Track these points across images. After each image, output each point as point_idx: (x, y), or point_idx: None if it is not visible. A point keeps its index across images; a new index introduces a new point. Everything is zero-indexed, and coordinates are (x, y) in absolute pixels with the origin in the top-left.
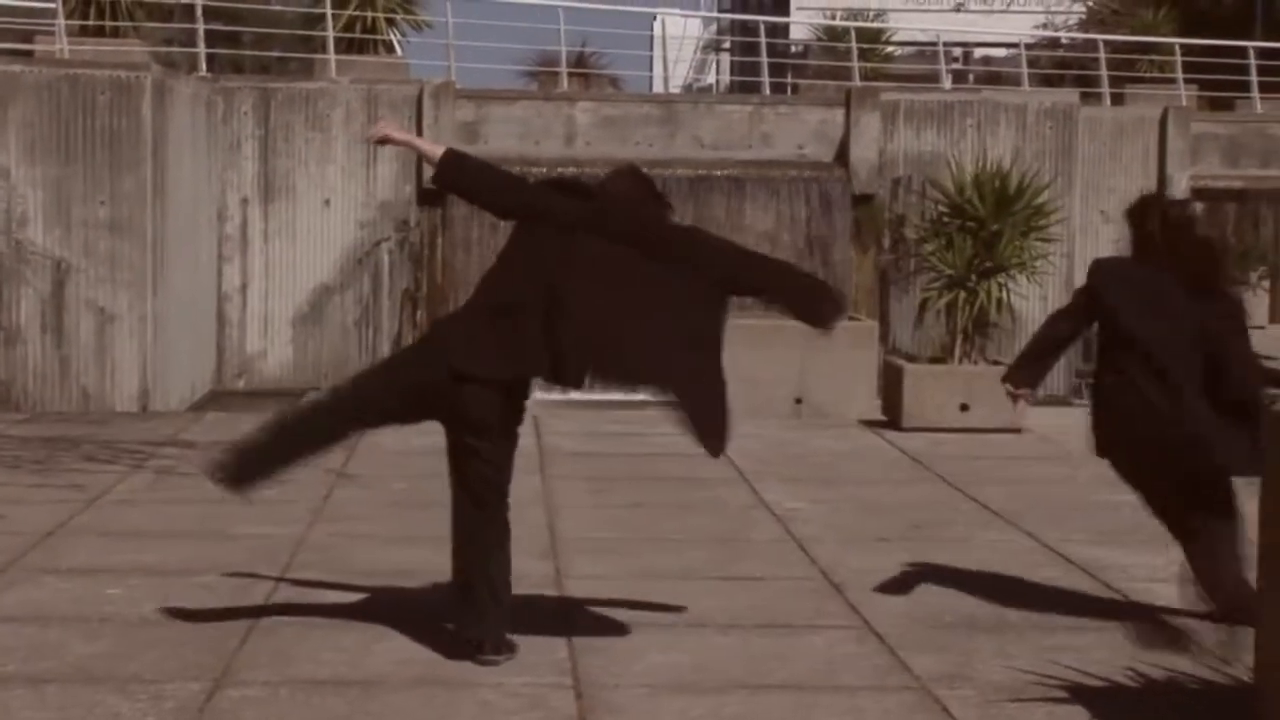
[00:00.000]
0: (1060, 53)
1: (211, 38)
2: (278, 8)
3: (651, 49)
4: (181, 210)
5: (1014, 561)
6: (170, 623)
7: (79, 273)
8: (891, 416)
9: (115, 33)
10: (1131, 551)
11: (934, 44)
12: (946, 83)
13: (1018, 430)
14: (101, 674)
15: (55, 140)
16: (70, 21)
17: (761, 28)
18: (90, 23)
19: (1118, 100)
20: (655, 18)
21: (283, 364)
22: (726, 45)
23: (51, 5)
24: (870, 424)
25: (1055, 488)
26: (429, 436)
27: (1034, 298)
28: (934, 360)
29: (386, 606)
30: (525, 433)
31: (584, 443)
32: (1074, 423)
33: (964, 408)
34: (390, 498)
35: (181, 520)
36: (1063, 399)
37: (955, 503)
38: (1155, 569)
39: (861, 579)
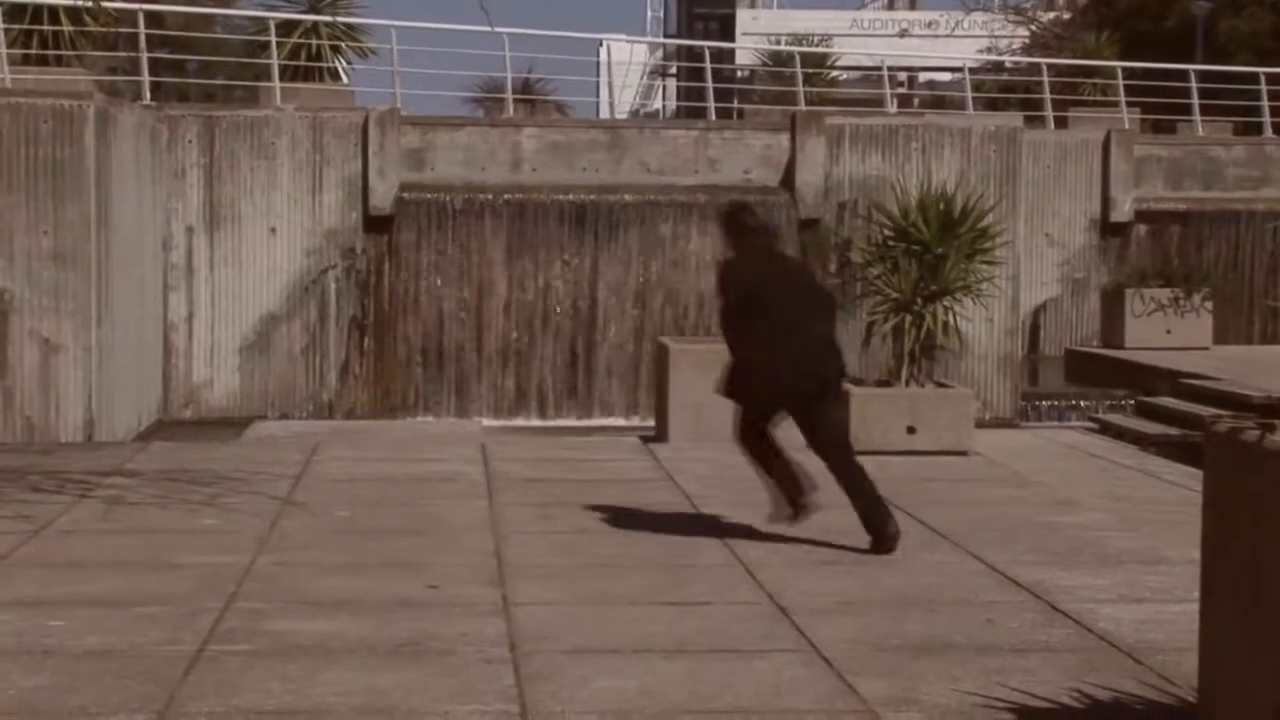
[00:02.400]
0: (1004, 77)
1: (156, 66)
2: (222, 35)
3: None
4: (126, 239)
5: (960, 584)
6: (114, 654)
7: (22, 303)
8: None
9: (59, 61)
10: (1077, 573)
11: (879, 69)
12: (891, 107)
13: (964, 453)
14: (44, 707)
15: None
16: (12, 50)
17: (707, 53)
18: (33, 51)
19: (1061, 124)
20: (601, 43)
21: (230, 393)
22: (672, 71)
23: None
24: None
25: (1002, 509)
26: (372, 464)
27: (979, 320)
28: (881, 383)
29: (331, 636)
30: (472, 459)
31: (532, 469)
32: (1022, 445)
33: (911, 430)
34: (335, 526)
35: (126, 550)
36: (1009, 421)
37: (902, 525)
38: (1100, 590)
39: (808, 603)
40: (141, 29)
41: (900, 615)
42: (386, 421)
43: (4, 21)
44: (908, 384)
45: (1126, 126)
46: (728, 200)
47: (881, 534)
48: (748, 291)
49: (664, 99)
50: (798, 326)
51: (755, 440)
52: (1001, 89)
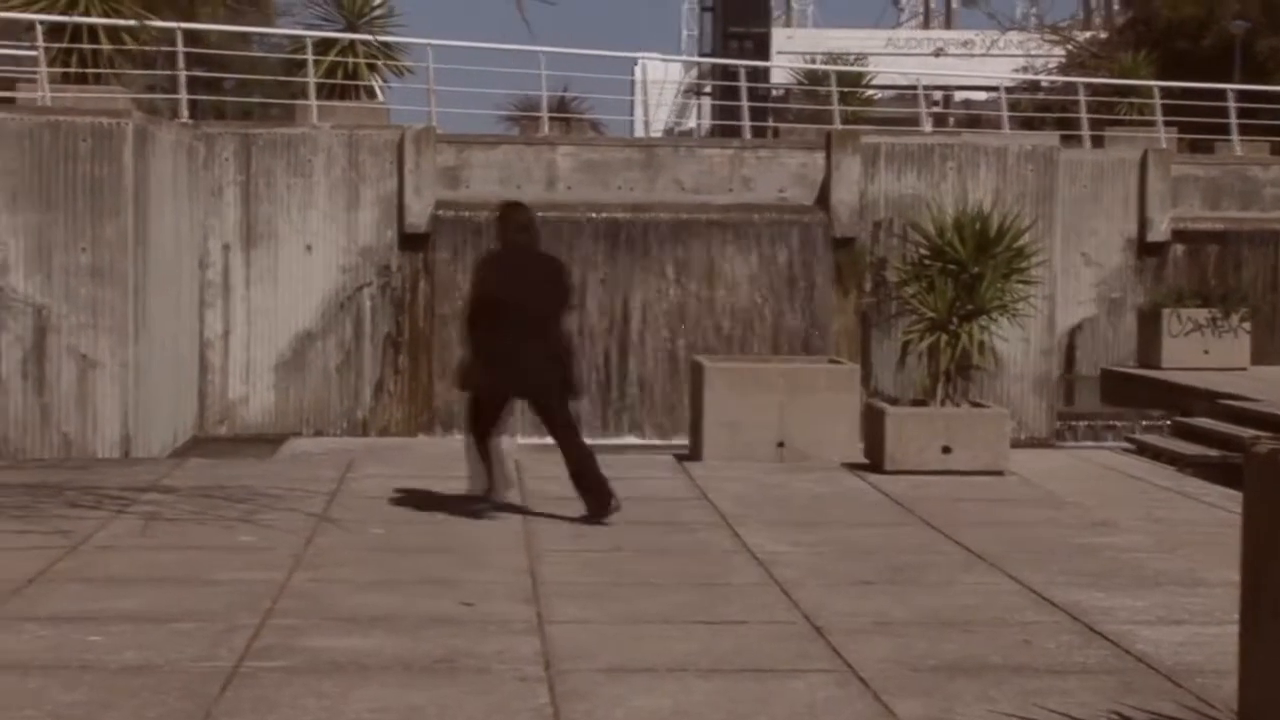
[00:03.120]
0: (1041, 96)
1: (193, 84)
2: (259, 54)
3: (632, 93)
4: (163, 257)
5: (997, 604)
6: (151, 670)
7: (60, 319)
8: (874, 459)
9: (97, 80)
10: (1114, 594)
11: (914, 88)
12: (927, 126)
13: (1000, 473)
14: None
15: (37, 187)
16: (52, 69)
17: (742, 72)
18: (72, 70)
19: (1098, 143)
20: (636, 62)
21: (265, 410)
22: (707, 89)
23: (34, 53)
24: (852, 467)
25: (1038, 530)
26: (406, 482)
27: (1015, 340)
28: (916, 403)
29: (366, 653)
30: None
31: (566, 486)
32: (1058, 465)
33: (946, 450)
34: (370, 543)
35: (163, 566)
36: (1045, 441)
37: (937, 545)
38: (1138, 611)
39: (844, 622)
40: (180, 48)
41: (937, 635)
42: (420, 439)
43: (44, 40)
44: (943, 403)
45: (1164, 146)
46: (502, 200)
47: (601, 504)
48: (497, 289)
49: (698, 117)
50: (535, 332)
51: (482, 433)
52: (1038, 108)
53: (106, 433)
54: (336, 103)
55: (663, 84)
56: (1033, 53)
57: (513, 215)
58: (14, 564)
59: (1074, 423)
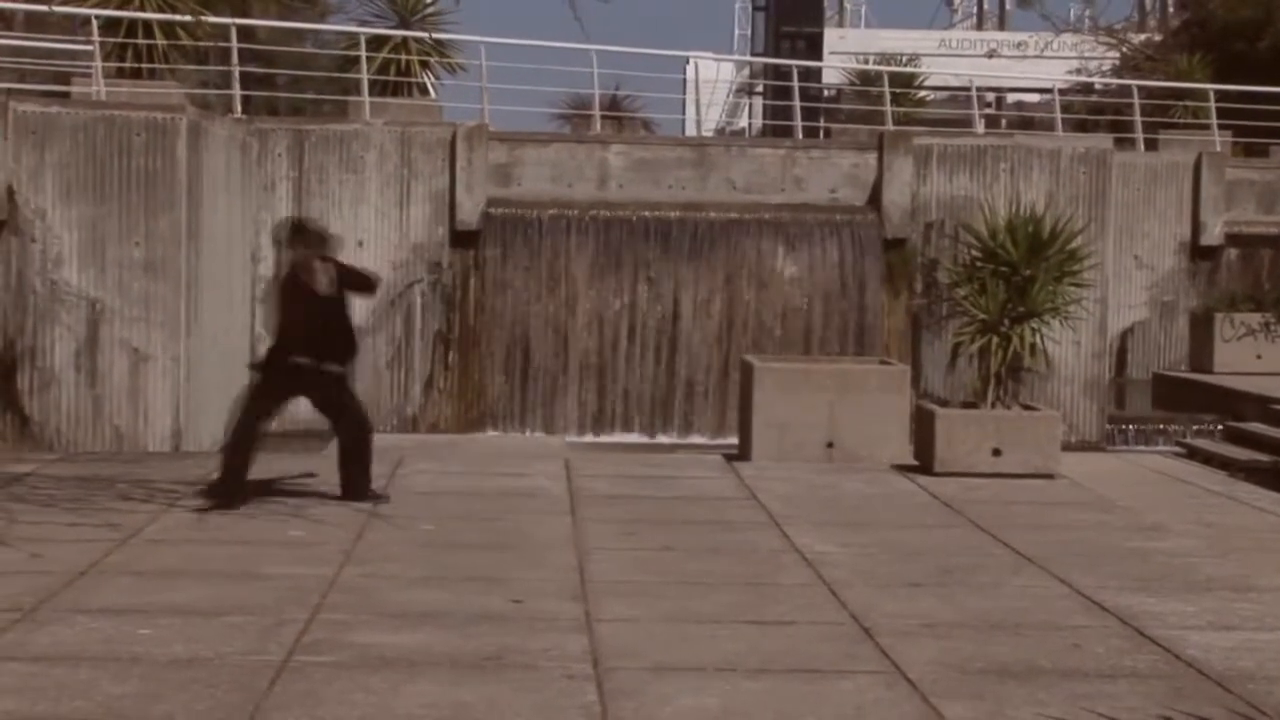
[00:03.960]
0: (1094, 98)
1: (246, 80)
2: (312, 50)
3: (684, 92)
4: (215, 251)
5: (1046, 607)
6: (200, 663)
7: (113, 313)
8: (923, 461)
9: (151, 75)
10: (1165, 599)
11: (967, 89)
12: (979, 127)
13: (1050, 476)
14: (131, 714)
15: (91, 181)
16: (107, 64)
17: (794, 72)
18: (127, 65)
19: (1152, 146)
20: (688, 61)
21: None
22: (759, 89)
23: (89, 47)
24: (902, 468)
25: (1088, 534)
26: (456, 478)
27: (1066, 342)
28: (966, 405)
29: (415, 649)
30: (556, 475)
31: (615, 485)
32: (1108, 469)
33: (996, 452)
34: (419, 539)
35: (213, 560)
36: (1096, 445)
37: (987, 548)
38: (1188, 616)
39: (892, 624)
40: (234, 43)
41: (986, 638)
42: (470, 436)
43: (99, 35)
44: (993, 406)
45: (1218, 149)
46: (288, 217)
47: (358, 490)
48: (295, 292)
49: (750, 117)
50: (326, 329)
51: (252, 425)
52: (1091, 110)
53: (157, 426)
54: (389, 99)
55: (714, 83)
56: (1087, 55)
57: (309, 227)
58: (66, 556)
59: (1125, 426)
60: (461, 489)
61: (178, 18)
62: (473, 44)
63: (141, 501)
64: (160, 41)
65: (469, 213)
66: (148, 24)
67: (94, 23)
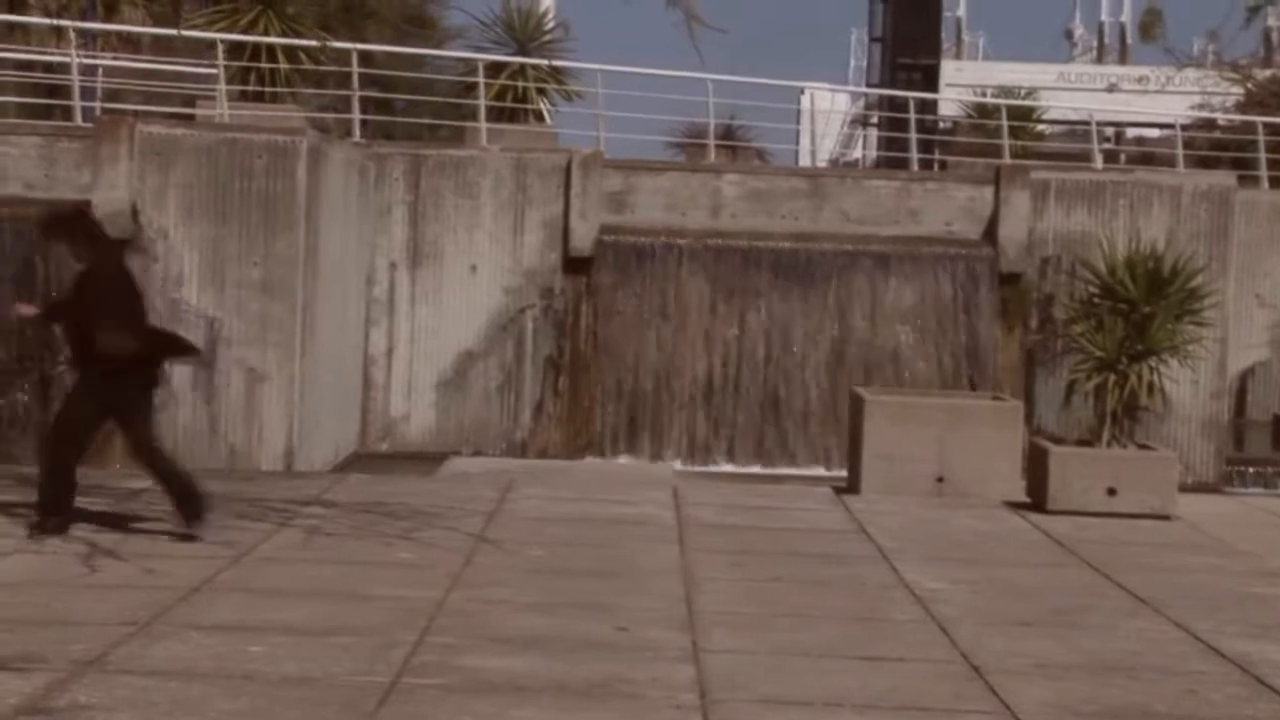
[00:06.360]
0: (1217, 134)
1: (365, 104)
2: (430, 75)
3: (798, 122)
4: (331, 273)
5: (1160, 651)
6: (310, 682)
7: (231, 332)
8: (1035, 498)
9: (274, 98)
10: None
11: (1086, 123)
12: (1098, 162)
13: (1166, 517)
14: None
15: (212, 202)
16: (231, 87)
17: (911, 104)
18: (250, 88)
19: (1276, 184)
20: (802, 91)
21: (425, 428)
22: (874, 120)
23: (214, 71)
24: (1013, 505)
25: (1206, 577)
26: (565, 504)
27: (1184, 382)
28: (1081, 442)
29: (522, 674)
30: (664, 503)
31: (724, 515)
32: (1227, 511)
33: (1111, 492)
34: (527, 564)
35: (323, 580)
36: (1213, 486)
37: (1100, 588)
38: None
39: (1003, 663)
40: (355, 68)
41: (1099, 680)
42: (579, 462)
43: (224, 58)
44: (1109, 444)
45: None
46: (64, 207)
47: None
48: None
49: (864, 148)
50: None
51: (79, 438)
52: (1213, 147)
53: (271, 445)
54: (506, 125)
55: (829, 114)
56: (1210, 90)
57: (93, 226)
58: (180, 571)
59: (1244, 468)
60: (570, 515)
61: (301, 42)
62: (589, 71)
63: (255, 520)
64: (283, 65)
65: (582, 239)
66: (271, 48)
67: (219, 46)
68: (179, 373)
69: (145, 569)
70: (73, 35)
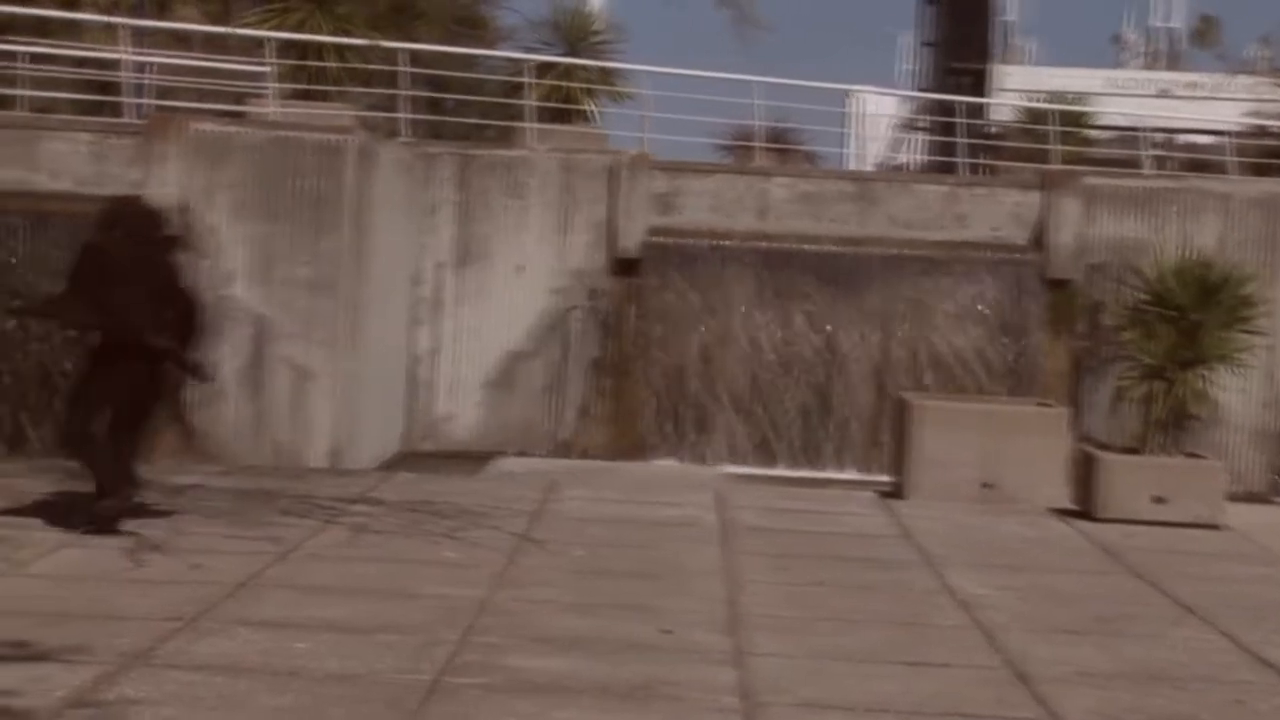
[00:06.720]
0: (1270, 141)
1: (413, 103)
2: (480, 75)
3: (845, 125)
4: (379, 272)
5: (1207, 661)
6: (354, 679)
7: (278, 330)
8: (1082, 505)
9: (323, 96)
10: None
11: (1136, 129)
12: (1148, 168)
13: (1214, 526)
14: None
15: (261, 200)
16: (281, 85)
17: (960, 108)
18: (300, 86)
19: None
20: (849, 94)
21: (470, 428)
22: (922, 124)
23: (265, 69)
24: (1059, 512)
25: (1254, 587)
26: (609, 505)
27: (1233, 390)
28: (1128, 450)
29: (565, 674)
30: (708, 505)
31: (768, 518)
32: (1276, 521)
33: (1158, 500)
34: (571, 565)
35: (368, 578)
36: (1262, 496)
37: (1147, 597)
38: None
39: (1048, 670)
40: (404, 67)
41: (1145, 689)
42: (624, 463)
43: (274, 57)
44: (1157, 452)
45: None
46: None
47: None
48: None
49: (912, 152)
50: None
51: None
52: (1266, 154)
53: (317, 443)
54: (554, 126)
55: (876, 117)
56: (1263, 97)
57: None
58: (227, 567)
59: None
60: (614, 516)
61: (352, 41)
62: (636, 72)
63: (301, 516)
64: (333, 64)
65: (629, 240)
66: (321, 47)
67: (270, 45)
68: (227, 369)
69: (191, 564)
70: (125, 33)
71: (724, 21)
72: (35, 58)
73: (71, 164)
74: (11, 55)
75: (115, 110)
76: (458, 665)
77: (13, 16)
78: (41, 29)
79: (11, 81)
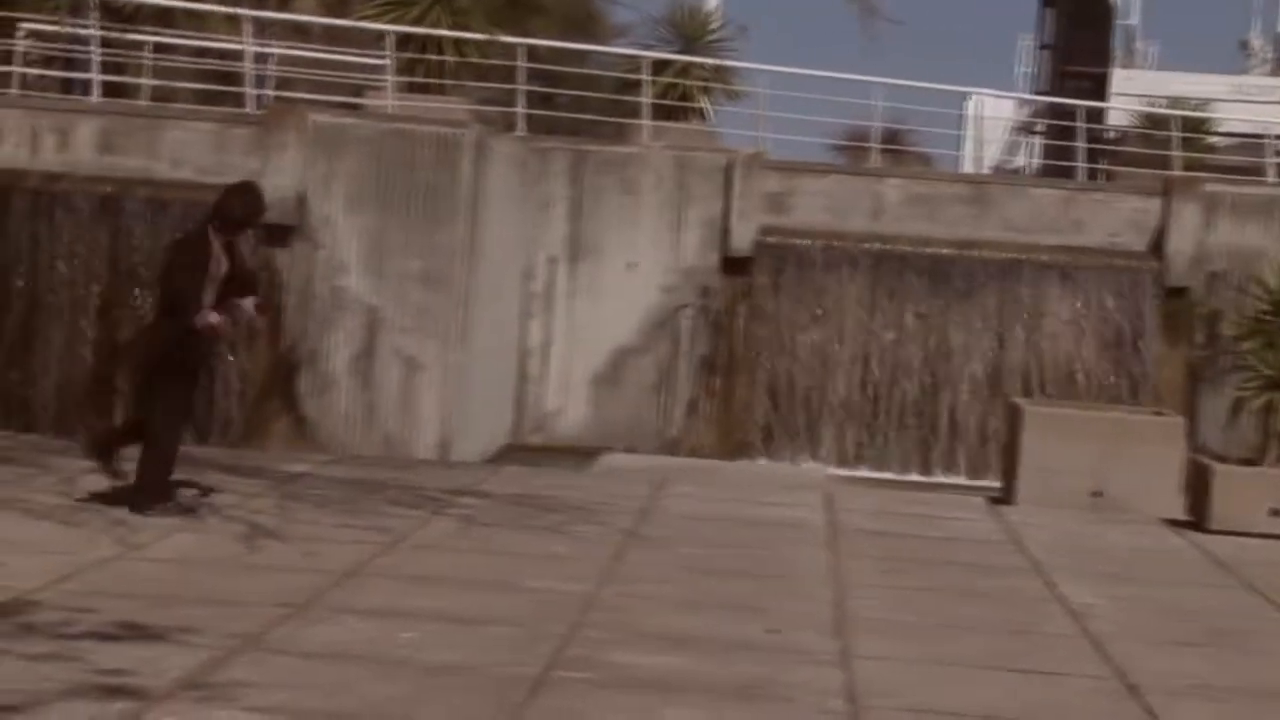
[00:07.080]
0: None
1: (529, 98)
2: (595, 72)
3: (960, 128)
4: (491, 266)
5: None
6: (460, 670)
7: (390, 322)
8: (1196, 517)
9: (440, 90)
10: None
11: (1260, 136)
12: (1272, 176)
13: None
14: (396, 716)
15: (377, 192)
16: (399, 78)
17: (1079, 112)
18: (417, 80)
19: None
20: (967, 97)
21: (578, 422)
22: (1039, 128)
23: (383, 62)
24: (1172, 523)
25: None
26: (717, 504)
27: None
28: (1245, 461)
29: (672, 672)
30: (816, 507)
31: (877, 522)
32: None
33: (1275, 513)
34: (679, 562)
35: (475, 570)
36: None
37: (1262, 611)
38: None
39: (1160, 683)
40: (521, 62)
41: (1260, 705)
42: (731, 462)
43: (393, 50)
44: (1275, 465)
45: None
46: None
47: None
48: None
49: (1029, 156)
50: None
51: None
52: None
53: (426, 434)
54: (669, 123)
55: (993, 120)
56: None
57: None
58: (336, 556)
59: None
60: (721, 515)
61: (471, 35)
62: (749, 71)
63: (410, 507)
64: (450, 58)
65: (741, 240)
66: (439, 41)
67: (389, 37)
68: (340, 359)
69: (304, 552)
70: (247, 24)
71: (850, 16)
72: (158, 47)
73: (192, 153)
74: (136, 45)
75: (236, 100)
76: (564, 659)
77: (138, 6)
78: (165, 19)
79: (135, 70)
